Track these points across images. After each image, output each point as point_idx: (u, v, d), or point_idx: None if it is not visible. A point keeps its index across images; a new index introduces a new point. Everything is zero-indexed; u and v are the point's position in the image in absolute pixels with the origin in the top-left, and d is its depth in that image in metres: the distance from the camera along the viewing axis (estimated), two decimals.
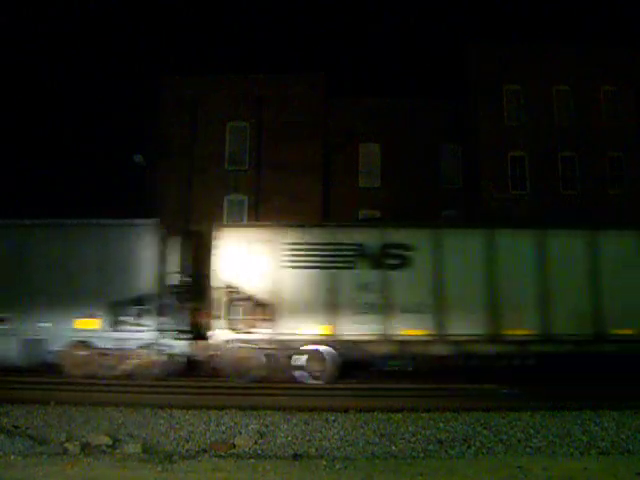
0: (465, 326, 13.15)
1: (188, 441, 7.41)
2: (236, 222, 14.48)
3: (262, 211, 24.75)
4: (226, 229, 14.39)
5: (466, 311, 13.23)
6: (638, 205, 22.64)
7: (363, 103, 27.24)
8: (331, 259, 13.57)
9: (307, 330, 13.23)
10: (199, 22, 55.80)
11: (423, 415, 8.69)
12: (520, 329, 13.22)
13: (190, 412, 8.80)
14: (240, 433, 7.68)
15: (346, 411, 8.98)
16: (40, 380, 12.44)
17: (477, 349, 13.22)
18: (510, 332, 13.18)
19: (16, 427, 7.87)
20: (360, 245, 13.63)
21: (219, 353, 13.15)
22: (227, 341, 13.19)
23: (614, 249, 13.72)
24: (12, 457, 6.39)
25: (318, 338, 13.19)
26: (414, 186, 25.74)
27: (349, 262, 13.54)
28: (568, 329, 13.19)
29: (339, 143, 26.68)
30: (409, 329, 13.16)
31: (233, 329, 13.32)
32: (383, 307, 13.23)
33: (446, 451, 7.03)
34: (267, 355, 13.17)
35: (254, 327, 13.34)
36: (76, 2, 51.47)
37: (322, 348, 13.19)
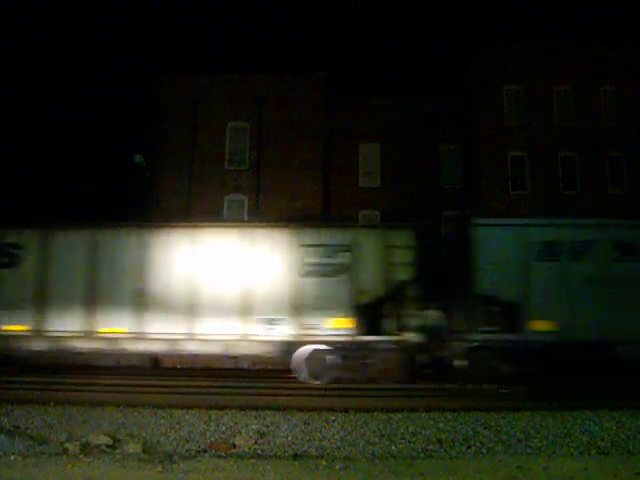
0: (64, 323, 13.65)
1: (188, 441, 7.40)
2: None
3: (262, 211, 24.78)
4: None
5: (66, 308, 13.69)
6: (638, 205, 22.66)
7: (363, 103, 27.25)
8: None
9: None
10: (199, 22, 55.84)
11: (423, 415, 8.69)
12: (114, 328, 13.58)
13: (190, 412, 8.79)
14: (240, 433, 7.67)
15: (346, 411, 8.98)
16: (40, 380, 12.47)
17: (74, 345, 13.76)
18: (103, 330, 13.58)
19: (16, 427, 7.87)
20: None
21: None
22: None
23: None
24: (12, 457, 6.38)
25: None
26: (414, 186, 25.76)
27: None
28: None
29: (339, 143, 26.69)
30: (11, 325, 13.77)
31: None
32: None
33: (446, 451, 7.03)
34: None
35: None
36: (76, 2, 51.46)
37: None
